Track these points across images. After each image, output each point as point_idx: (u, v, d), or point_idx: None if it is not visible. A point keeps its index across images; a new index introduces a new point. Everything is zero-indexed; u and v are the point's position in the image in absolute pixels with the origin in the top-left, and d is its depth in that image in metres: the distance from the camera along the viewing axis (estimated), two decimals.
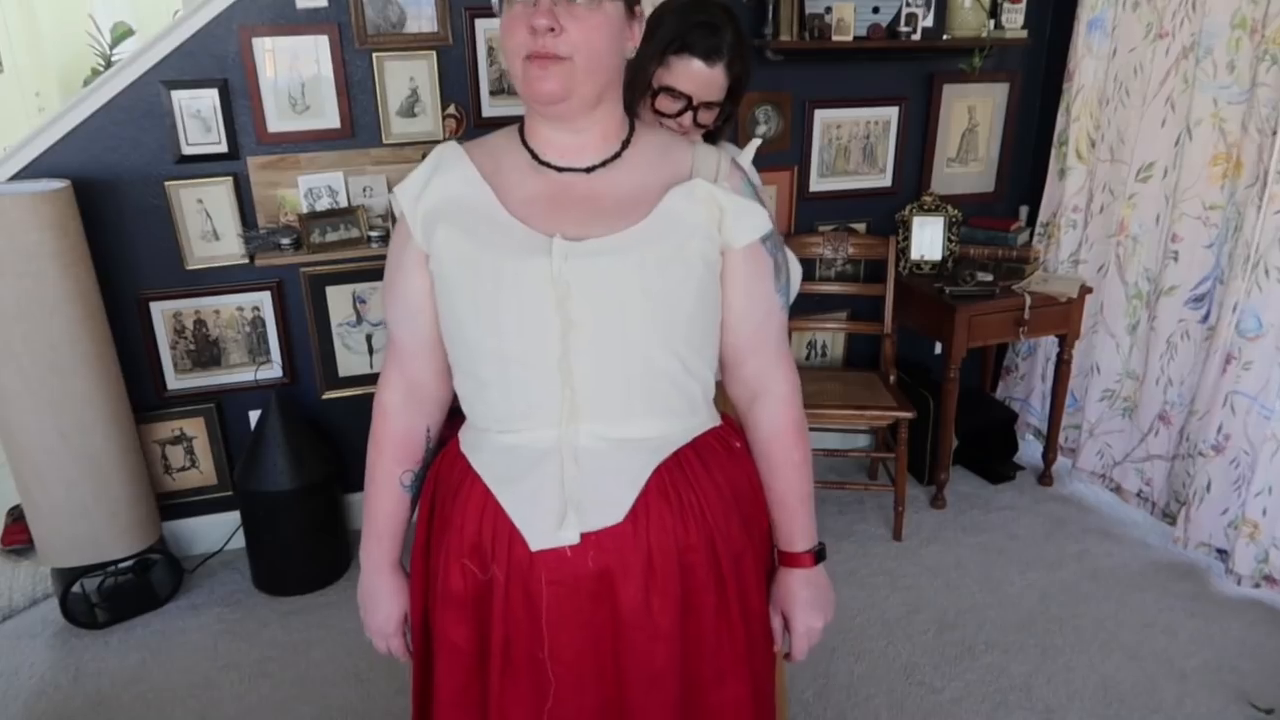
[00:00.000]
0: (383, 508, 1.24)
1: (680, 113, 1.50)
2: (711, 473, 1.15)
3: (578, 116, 1.08)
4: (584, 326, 1.05)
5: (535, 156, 1.11)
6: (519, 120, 1.16)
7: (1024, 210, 3.34)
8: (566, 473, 1.08)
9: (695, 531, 1.12)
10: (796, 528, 1.22)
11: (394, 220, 2.01)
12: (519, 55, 1.03)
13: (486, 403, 1.13)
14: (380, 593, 1.27)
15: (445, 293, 1.10)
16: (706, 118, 1.54)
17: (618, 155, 1.11)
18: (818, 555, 1.23)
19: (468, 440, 1.19)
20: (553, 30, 1.00)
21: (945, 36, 2.93)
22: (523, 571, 1.10)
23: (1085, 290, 3.04)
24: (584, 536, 1.08)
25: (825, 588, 1.25)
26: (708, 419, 1.18)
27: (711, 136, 1.61)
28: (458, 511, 1.14)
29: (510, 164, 1.11)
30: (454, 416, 1.26)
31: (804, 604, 1.22)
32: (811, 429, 3.43)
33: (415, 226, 1.12)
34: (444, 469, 1.21)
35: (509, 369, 1.08)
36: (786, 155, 3.06)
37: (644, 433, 1.11)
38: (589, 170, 1.10)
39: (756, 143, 1.21)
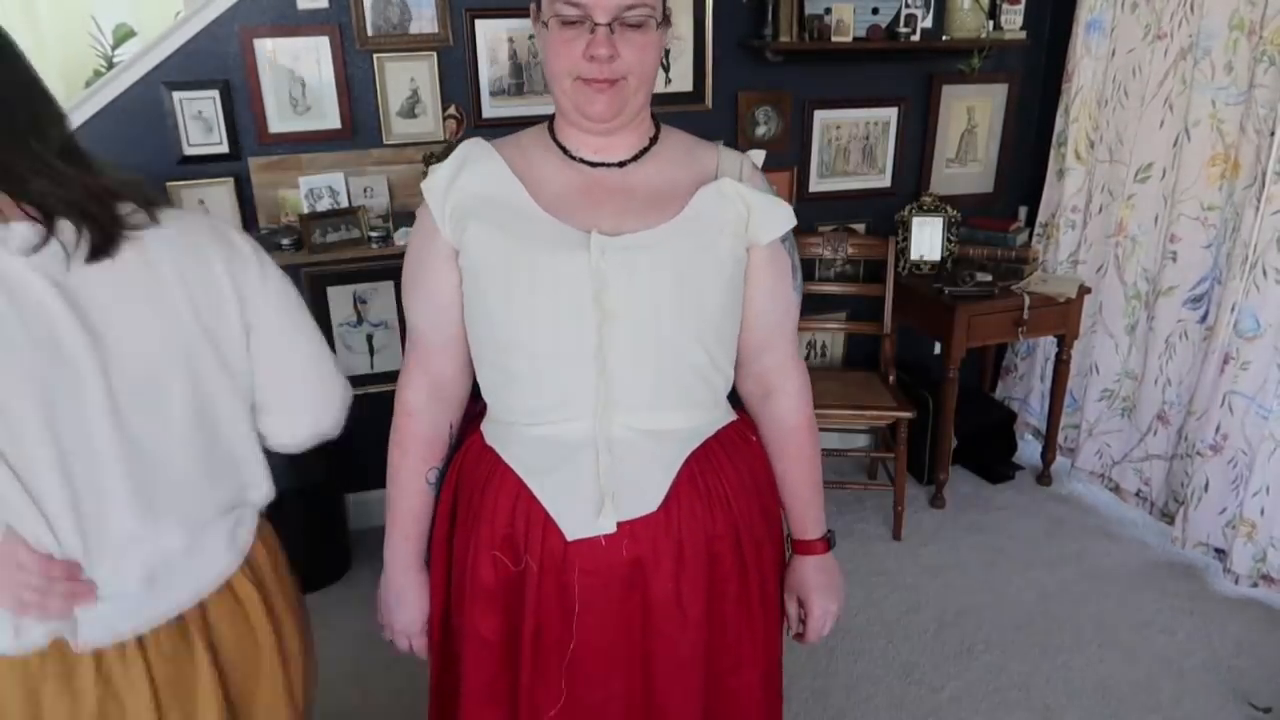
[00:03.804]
0: (409, 506, 1.24)
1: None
2: (735, 464, 1.19)
3: (622, 129, 1.11)
4: (620, 319, 1.07)
5: (567, 153, 1.13)
6: (536, 121, 1.18)
7: (1023, 211, 3.34)
8: (601, 463, 1.10)
9: (722, 521, 1.16)
10: (810, 516, 1.28)
11: (394, 219, 1.95)
12: (569, 76, 1.05)
13: (517, 396, 1.14)
14: (409, 591, 1.26)
15: (476, 288, 1.11)
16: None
17: (647, 150, 1.14)
18: (829, 542, 1.29)
19: (494, 433, 1.19)
20: (611, 57, 1.02)
21: (944, 37, 2.94)
22: (557, 561, 1.12)
23: (1084, 290, 3.05)
24: (619, 526, 1.10)
25: (836, 573, 1.30)
26: (727, 413, 1.22)
27: None
28: (488, 504, 1.15)
29: (540, 159, 1.13)
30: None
31: (819, 588, 1.27)
32: None
33: (444, 222, 1.12)
34: (469, 463, 1.21)
35: (541, 362, 1.10)
36: (786, 156, 3.07)
37: (674, 424, 1.14)
38: (621, 165, 1.12)
39: (761, 153, 1.24)
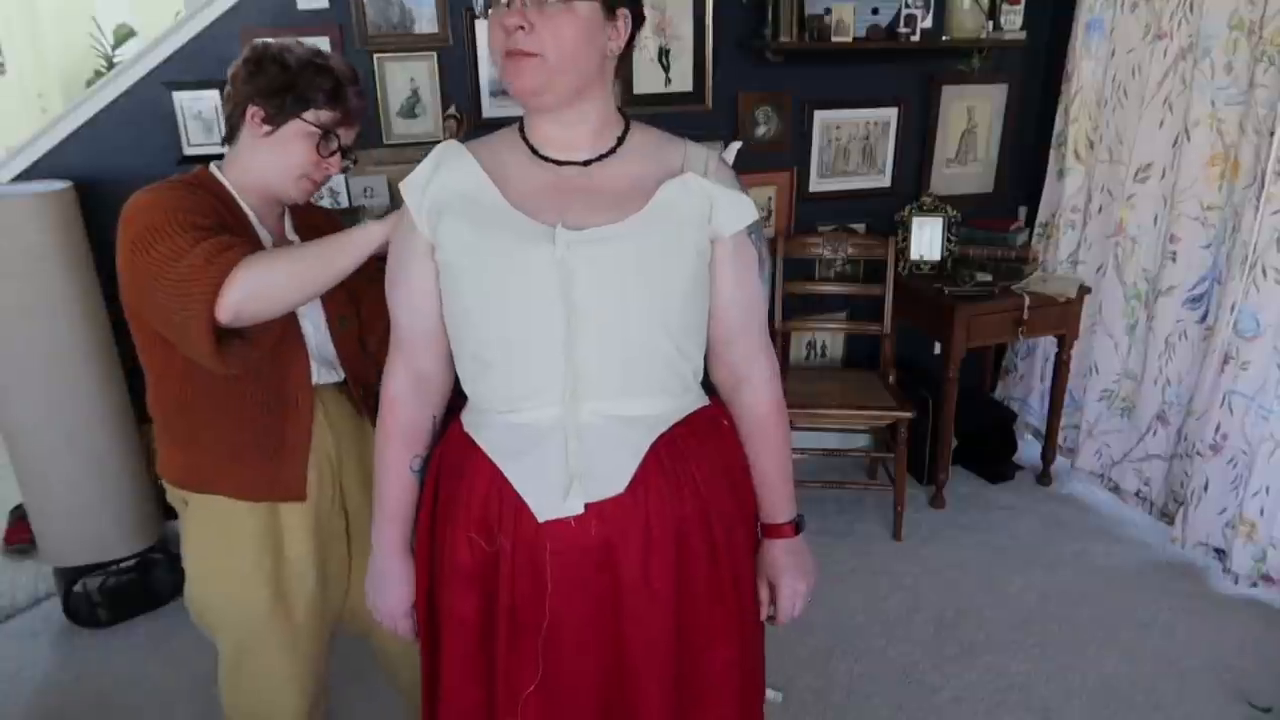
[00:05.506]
0: (393, 493, 1.29)
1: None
2: (705, 448, 1.22)
3: (561, 108, 1.14)
4: (586, 310, 1.11)
5: (535, 151, 1.17)
6: (519, 120, 1.21)
7: (1023, 211, 3.35)
8: (570, 447, 1.15)
9: (690, 502, 1.19)
10: (779, 501, 1.31)
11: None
12: (500, 54, 1.10)
13: (490, 384, 1.18)
14: (393, 575, 1.32)
15: (451, 281, 1.16)
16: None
17: (613, 150, 1.18)
18: (798, 526, 1.33)
19: (471, 421, 1.24)
20: (523, 29, 1.06)
21: (944, 38, 2.94)
22: (529, 542, 1.16)
23: (1084, 290, 3.05)
24: (587, 507, 1.14)
25: (806, 554, 1.34)
26: (698, 398, 1.26)
27: None
28: (464, 488, 1.20)
29: (511, 159, 1.18)
30: (449, 410, 1.31)
31: (788, 569, 1.31)
32: (811, 429, 3.42)
33: (420, 218, 1.17)
34: (448, 450, 1.26)
35: (513, 351, 1.15)
36: (786, 156, 3.07)
37: (642, 410, 1.17)
38: (585, 164, 1.16)
39: (737, 145, 1.26)
